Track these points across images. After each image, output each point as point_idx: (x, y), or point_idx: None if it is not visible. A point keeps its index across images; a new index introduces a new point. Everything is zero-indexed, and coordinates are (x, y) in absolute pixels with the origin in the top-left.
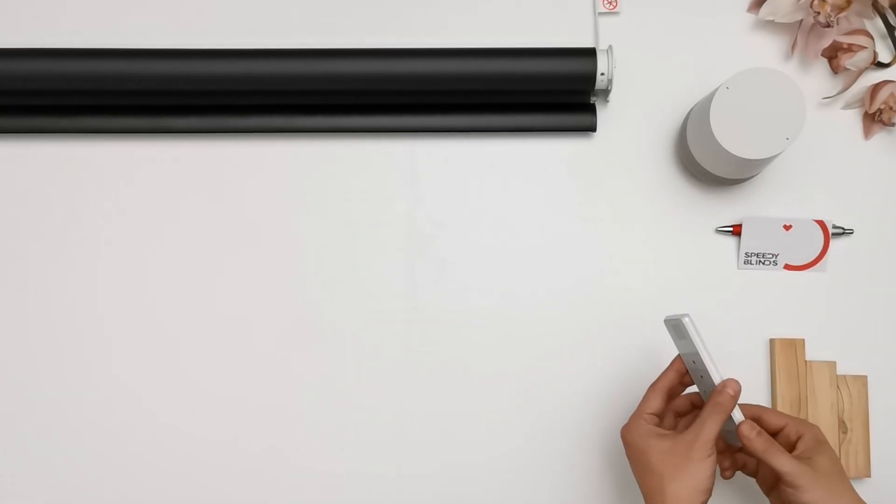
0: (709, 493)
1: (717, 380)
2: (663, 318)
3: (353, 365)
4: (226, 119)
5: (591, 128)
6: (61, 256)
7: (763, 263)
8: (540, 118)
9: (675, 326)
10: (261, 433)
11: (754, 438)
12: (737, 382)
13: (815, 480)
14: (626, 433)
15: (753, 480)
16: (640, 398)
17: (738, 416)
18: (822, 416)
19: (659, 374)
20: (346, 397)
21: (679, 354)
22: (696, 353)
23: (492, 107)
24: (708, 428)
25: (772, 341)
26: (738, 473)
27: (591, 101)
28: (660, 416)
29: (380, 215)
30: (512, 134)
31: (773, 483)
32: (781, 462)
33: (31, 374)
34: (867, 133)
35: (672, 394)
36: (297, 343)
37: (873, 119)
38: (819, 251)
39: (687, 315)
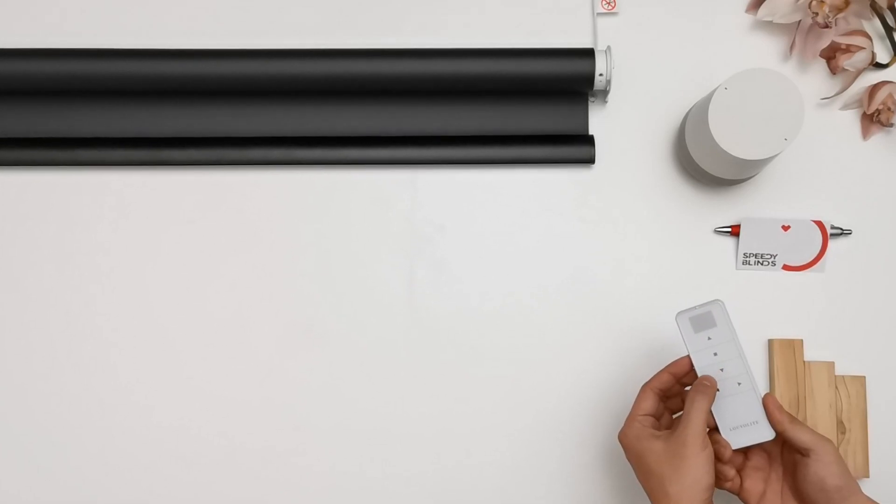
0: (711, 487)
1: (747, 366)
2: (676, 313)
3: (351, 367)
4: (223, 151)
5: (590, 160)
6: (62, 269)
7: (761, 264)
8: (539, 150)
9: (701, 317)
10: (260, 435)
11: (777, 411)
12: (712, 378)
13: (837, 456)
14: (623, 437)
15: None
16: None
17: (759, 391)
18: (820, 416)
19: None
20: (345, 399)
21: (688, 354)
22: (727, 342)
23: (491, 139)
24: (694, 421)
25: (770, 342)
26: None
27: (590, 134)
28: (656, 416)
29: (379, 216)
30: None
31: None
32: (802, 434)
33: (31, 377)
34: (865, 134)
35: (666, 395)
36: (295, 345)
37: (871, 119)
38: (817, 252)
39: (720, 300)
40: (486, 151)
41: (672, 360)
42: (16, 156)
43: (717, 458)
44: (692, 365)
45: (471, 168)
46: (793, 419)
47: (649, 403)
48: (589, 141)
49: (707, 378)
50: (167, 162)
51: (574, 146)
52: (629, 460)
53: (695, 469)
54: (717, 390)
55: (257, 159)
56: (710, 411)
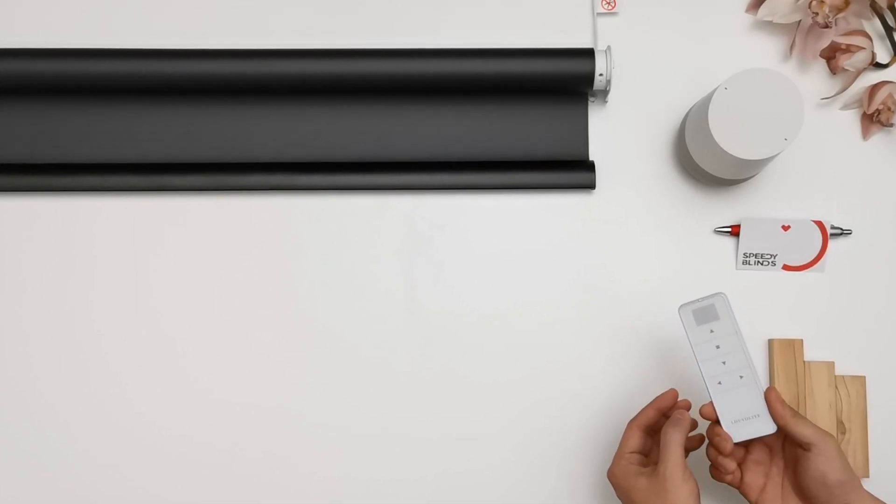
0: None
1: (749, 359)
2: (679, 306)
3: (351, 369)
4: (224, 177)
5: (591, 185)
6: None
7: (761, 264)
8: (539, 176)
9: (704, 309)
10: (260, 437)
11: (779, 405)
12: (685, 411)
13: (839, 450)
14: (611, 475)
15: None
16: (638, 403)
17: (761, 385)
18: (820, 416)
19: (654, 382)
20: (344, 401)
21: (671, 387)
22: (730, 335)
23: (491, 165)
24: (671, 455)
25: (770, 342)
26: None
27: (591, 160)
28: (644, 452)
29: (379, 218)
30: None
31: (770, 481)
32: (804, 428)
33: (30, 382)
34: (865, 133)
35: (653, 429)
36: (295, 347)
37: (871, 119)
38: (817, 252)
39: (722, 293)
40: (486, 177)
41: (657, 395)
42: (22, 182)
43: (719, 452)
44: (676, 398)
45: (472, 193)
46: (795, 413)
47: (635, 441)
48: (589, 167)
49: (680, 412)
50: (170, 188)
51: (575, 172)
52: (619, 497)
53: (679, 502)
54: (723, 386)
55: (258, 185)
56: (713, 406)
